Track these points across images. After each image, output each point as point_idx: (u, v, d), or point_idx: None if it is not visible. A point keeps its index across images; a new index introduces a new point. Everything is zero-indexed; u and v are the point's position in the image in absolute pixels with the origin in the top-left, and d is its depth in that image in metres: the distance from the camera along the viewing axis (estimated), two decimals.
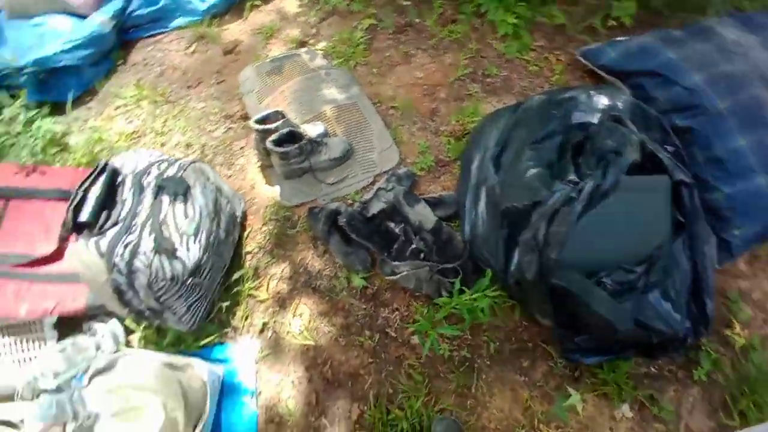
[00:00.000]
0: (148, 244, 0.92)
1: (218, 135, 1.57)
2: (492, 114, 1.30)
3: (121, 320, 1.15)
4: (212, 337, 1.16)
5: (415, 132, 1.48)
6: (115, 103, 1.67)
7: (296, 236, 1.33)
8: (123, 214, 0.95)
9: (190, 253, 0.99)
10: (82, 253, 0.90)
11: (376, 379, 1.11)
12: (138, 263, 0.90)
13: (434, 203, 1.26)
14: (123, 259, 0.90)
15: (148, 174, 1.00)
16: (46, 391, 1.01)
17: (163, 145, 1.54)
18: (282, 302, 1.24)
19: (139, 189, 0.99)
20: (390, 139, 1.45)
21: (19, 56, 1.59)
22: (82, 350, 1.08)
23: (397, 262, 1.16)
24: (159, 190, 0.98)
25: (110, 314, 1.14)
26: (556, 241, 0.80)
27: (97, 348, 1.11)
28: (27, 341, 1.12)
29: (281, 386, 1.13)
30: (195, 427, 0.99)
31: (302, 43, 1.79)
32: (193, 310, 1.07)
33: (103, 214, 0.93)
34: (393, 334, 1.16)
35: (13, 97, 1.58)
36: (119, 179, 0.99)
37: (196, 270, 1.00)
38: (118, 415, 0.90)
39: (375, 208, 1.25)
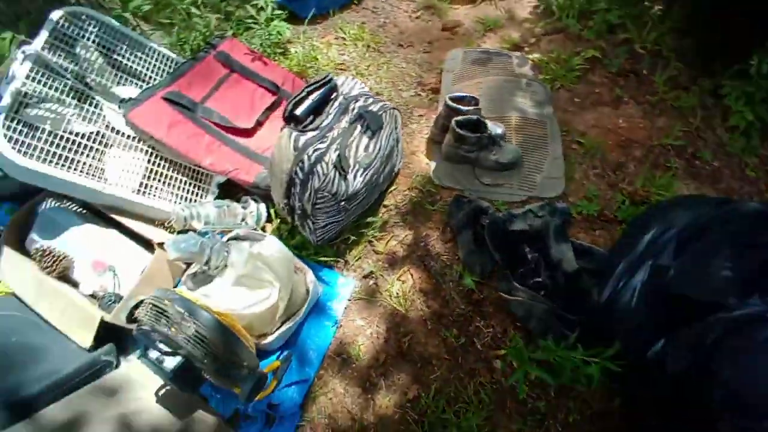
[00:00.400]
0: (331, 156, 1.02)
1: (406, 96, 1.66)
2: (690, 197, 1.19)
3: (268, 207, 1.32)
4: (327, 259, 1.27)
5: (591, 176, 1.41)
6: (338, 33, 1.85)
7: (431, 213, 1.37)
8: (323, 124, 1.07)
9: (355, 181, 1.08)
10: (283, 138, 1.03)
11: (444, 377, 1.11)
12: (318, 168, 1.01)
13: (581, 251, 1.19)
14: (309, 160, 1.01)
15: (356, 101, 1.11)
16: (193, 230, 1.19)
17: None
18: (393, 262, 1.30)
19: (343, 110, 1.09)
20: (561, 171, 1.40)
21: None
22: (232, 214, 1.25)
23: (517, 285, 1.13)
24: (358, 118, 1.08)
25: (265, 198, 1.30)
26: (727, 353, 0.71)
27: (242, 219, 1.28)
28: (195, 186, 1.33)
29: (360, 331, 1.20)
30: (284, 322, 1.10)
31: (517, 47, 1.79)
32: (327, 228, 1.17)
33: (311, 117, 1.05)
34: (479, 347, 1.15)
35: None
36: (333, 95, 1.10)
37: (351, 197, 1.09)
38: (241, 277, 1.03)
39: (518, 226, 1.22)
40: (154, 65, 1.34)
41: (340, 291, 1.25)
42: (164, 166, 1.26)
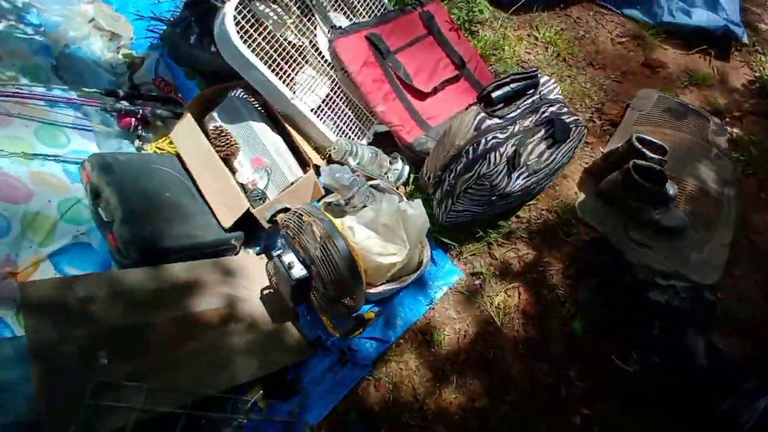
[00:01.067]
0: (507, 150, 1.01)
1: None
2: None
3: (410, 171, 1.34)
4: (445, 241, 1.26)
5: (752, 281, 1.25)
6: (532, 31, 1.79)
7: (561, 243, 1.31)
8: (509, 115, 1.05)
9: (516, 182, 1.05)
10: (468, 115, 1.03)
11: (518, 403, 1.08)
12: (492, 156, 1.00)
13: (712, 350, 1.08)
14: (484, 144, 1.00)
15: (550, 105, 1.07)
16: (347, 164, 1.24)
17: None
18: (505, 273, 1.27)
19: (533, 109, 1.06)
20: (723, 259, 1.26)
21: None
22: (379, 164, 1.29)
23: (634, 355, 1.05)
24: (546, 122, 1.05)
25: (411, 161, 1.32)
26: None
27: (385, 172, 1.31)
28: (357, 126, 1.38)
29: (449, 322, 1.20)
30: (388, 281, 1.13)
31: (718, 113, 1.60)
32: (463, 214, 1.17)
33: (501, 105, 1.04)
34: (563, 394, 1.09)
35: None
36: (531, 91, 1.07)
37: (505, 196, 1.07)
38: (380, 226, 1.06)
39: (657, 297, 1.13)
40: (367, 4, 1.39)
41: (445, 276, 1.25)
42: (341, 97, 1.32)
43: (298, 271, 0.96)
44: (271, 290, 1.17)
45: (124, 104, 1.34)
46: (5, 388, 0.74)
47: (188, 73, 1.38)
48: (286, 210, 1.18)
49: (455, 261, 1.29)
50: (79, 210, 1.07)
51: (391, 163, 1.32)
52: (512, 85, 1.04)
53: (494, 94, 1.03)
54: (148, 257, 1.04)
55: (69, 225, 1.02)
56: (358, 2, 1.36)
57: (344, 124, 1.33)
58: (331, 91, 1.30)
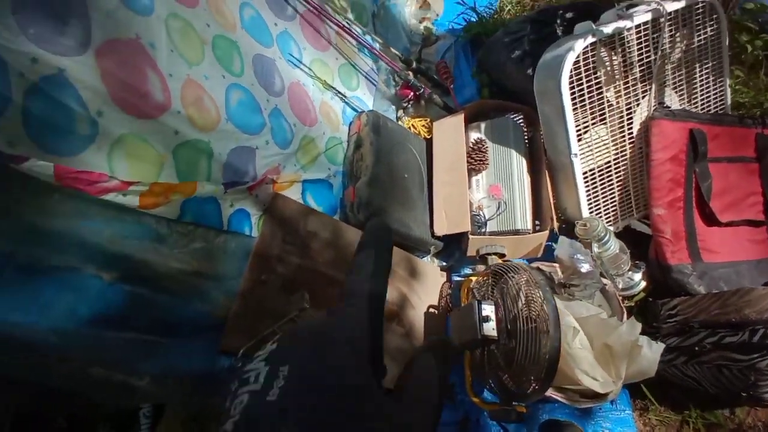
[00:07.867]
0: None
1: None
2: None
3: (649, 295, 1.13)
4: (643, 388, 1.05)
5: None
6: None
7: None
8: None
9: None
10: None
11: None
12: None
13: None
14: None
15: None
16: (588, 247, 1.08)
17: None
18: None
19: None
20: None
21: None
22: (618, 264, 1.10)
23: None
24: None
25: (653, 279, 1.11)
26: None
27: (617, 274, 1.12)
28: (613, 209, 1.19)
29: None
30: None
31: None
32: (684, 379, 0.93)
33: None
34: None
35: None
36: None
37: (752, 398, 0.81)
38: (597, 339, 0.90)
39: None
40: (707, 96, 1.17)
41: (615, 423, 1.04)
42: (618, 174, 1.15)
43: (490, 329, 0.86)
44: (436, 312, 1.12)
45: (411, 77, 1.38)
46: (218, 276, 0.81)
47: (474, 71, 1.36)
48: (501, 255, 1.10)
49: (635, 415, 1.06)
50: (337, 151, 1.15)
51: (630, 269, 1.12)
52: None
53: None
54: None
55: (326, 161, 1.10)
56: (700, 91, 1.15)
57: (603, 201, 1.16)
58: (613, 162, 1.14)
